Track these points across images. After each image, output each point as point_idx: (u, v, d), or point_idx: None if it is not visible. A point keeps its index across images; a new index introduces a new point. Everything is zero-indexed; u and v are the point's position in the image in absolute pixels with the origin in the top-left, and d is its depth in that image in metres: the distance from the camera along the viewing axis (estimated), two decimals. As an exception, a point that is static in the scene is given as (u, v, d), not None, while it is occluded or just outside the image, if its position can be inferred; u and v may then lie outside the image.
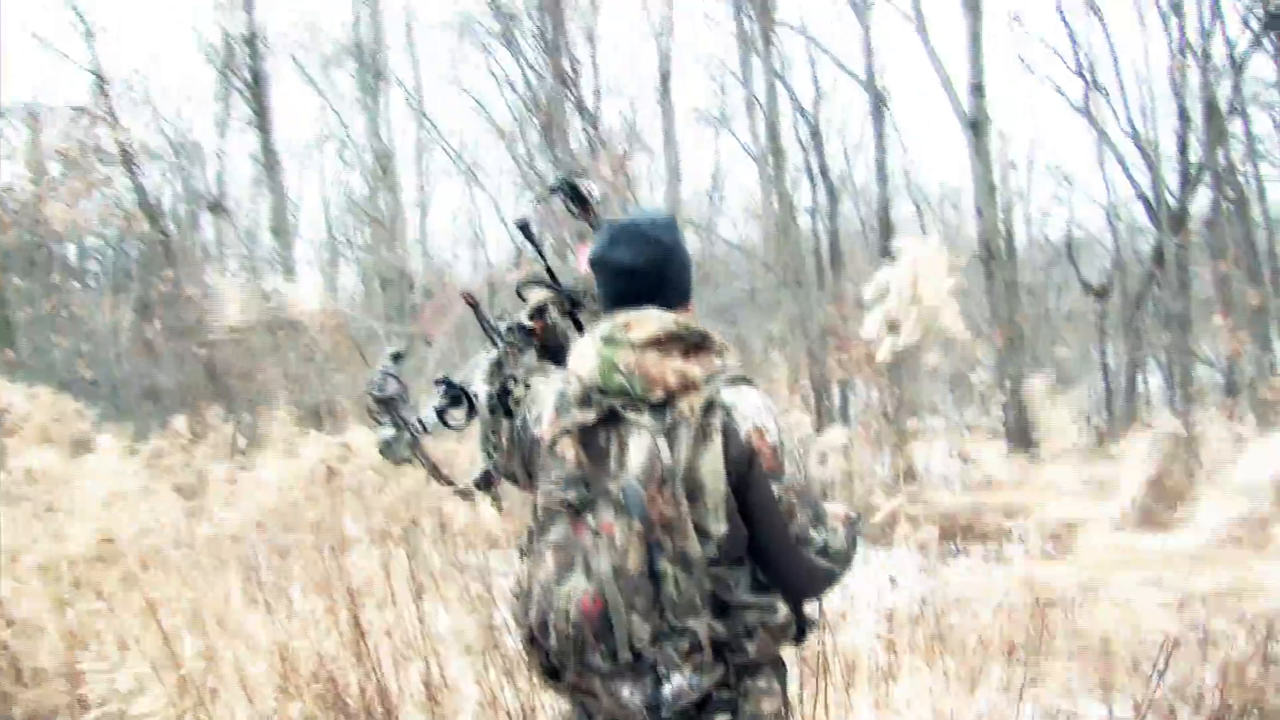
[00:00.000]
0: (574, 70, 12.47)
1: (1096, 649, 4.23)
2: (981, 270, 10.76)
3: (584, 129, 10.60)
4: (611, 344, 1.91)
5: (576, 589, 1.83)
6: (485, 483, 2.16)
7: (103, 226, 10.95)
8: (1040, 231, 16.34)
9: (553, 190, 2.33)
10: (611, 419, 1.89)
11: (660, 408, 1.88)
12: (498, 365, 2.19)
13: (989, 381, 11.34)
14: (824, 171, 14.48)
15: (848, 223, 15.18)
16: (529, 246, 2.42)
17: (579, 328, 2.28)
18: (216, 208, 16.47)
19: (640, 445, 1.83)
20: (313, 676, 3.60)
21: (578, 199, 2.32)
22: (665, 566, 1.80)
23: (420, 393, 2.57)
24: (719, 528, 1.85)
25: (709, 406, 1.87)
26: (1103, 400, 12.82)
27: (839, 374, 11.31)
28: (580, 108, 12.21)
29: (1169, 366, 12.12)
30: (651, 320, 1.92)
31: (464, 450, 6.34)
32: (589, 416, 1.90)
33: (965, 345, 12.22)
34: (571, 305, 2.29)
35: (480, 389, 2.16)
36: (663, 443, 1.82)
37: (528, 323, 2.24)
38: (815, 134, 14.43)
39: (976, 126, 10.37)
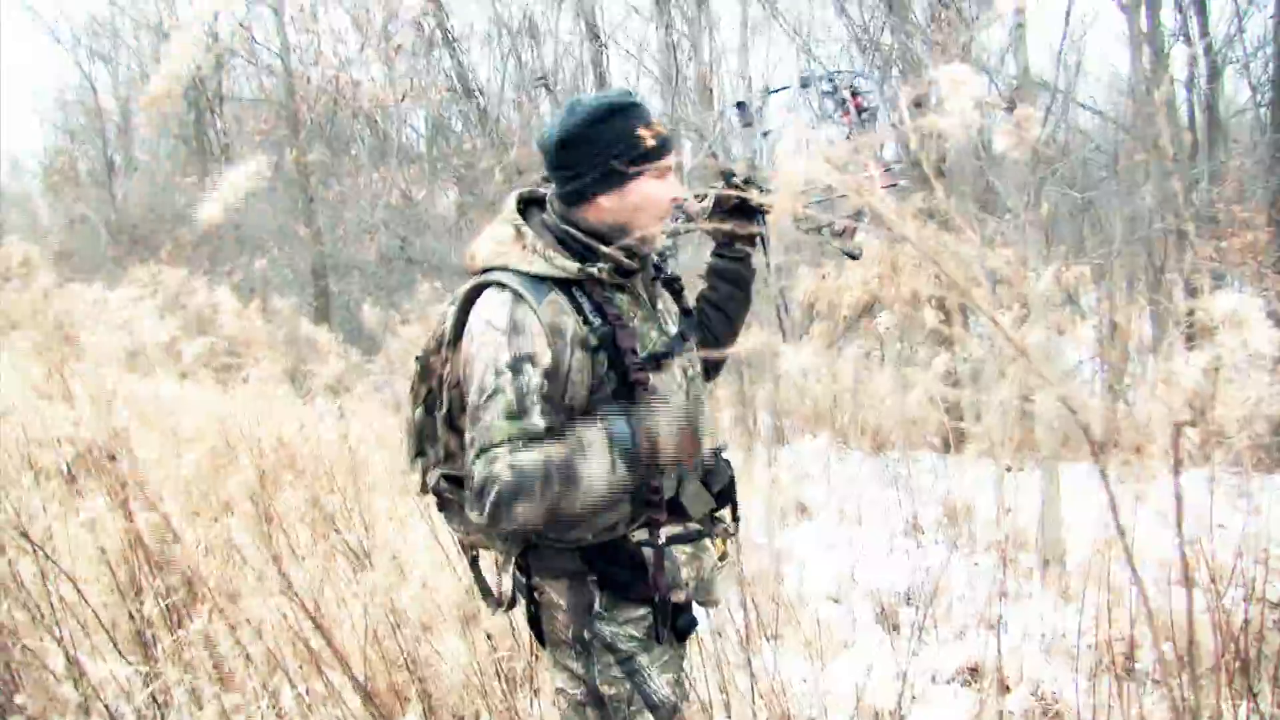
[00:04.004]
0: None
1: None
2: None
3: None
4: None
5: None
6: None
7: (412, 103, 11.04)
8: None
9: (804, 84, 2.26)
10: None
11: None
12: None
13: None
14: (1204, 33, 11.93)
15: (1230, 101, 12.42)
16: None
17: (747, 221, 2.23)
18: (544, 84, 16.46)
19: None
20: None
21: (836, 98, 2.18)
22: (423, 416, 2.02)
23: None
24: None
25: (473, 291, 1.91)
26: None
27: (1211, 265, 9.32)
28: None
29: None
30: (508, 203, 1.96)
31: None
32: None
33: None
34: (741, 202, 2.17)
35: None
36: (451, 311, 1.95)
37: (692, 201, 2.22)
38: (1197, -10, 11.85)
39: None
